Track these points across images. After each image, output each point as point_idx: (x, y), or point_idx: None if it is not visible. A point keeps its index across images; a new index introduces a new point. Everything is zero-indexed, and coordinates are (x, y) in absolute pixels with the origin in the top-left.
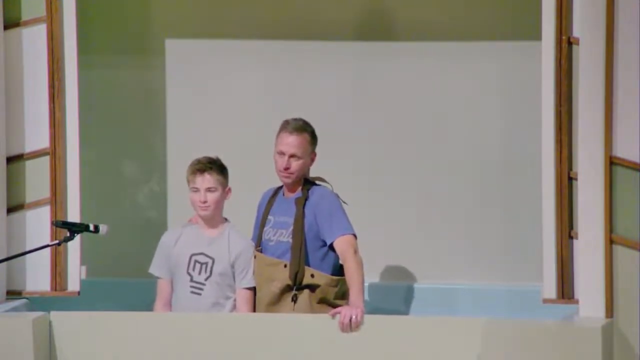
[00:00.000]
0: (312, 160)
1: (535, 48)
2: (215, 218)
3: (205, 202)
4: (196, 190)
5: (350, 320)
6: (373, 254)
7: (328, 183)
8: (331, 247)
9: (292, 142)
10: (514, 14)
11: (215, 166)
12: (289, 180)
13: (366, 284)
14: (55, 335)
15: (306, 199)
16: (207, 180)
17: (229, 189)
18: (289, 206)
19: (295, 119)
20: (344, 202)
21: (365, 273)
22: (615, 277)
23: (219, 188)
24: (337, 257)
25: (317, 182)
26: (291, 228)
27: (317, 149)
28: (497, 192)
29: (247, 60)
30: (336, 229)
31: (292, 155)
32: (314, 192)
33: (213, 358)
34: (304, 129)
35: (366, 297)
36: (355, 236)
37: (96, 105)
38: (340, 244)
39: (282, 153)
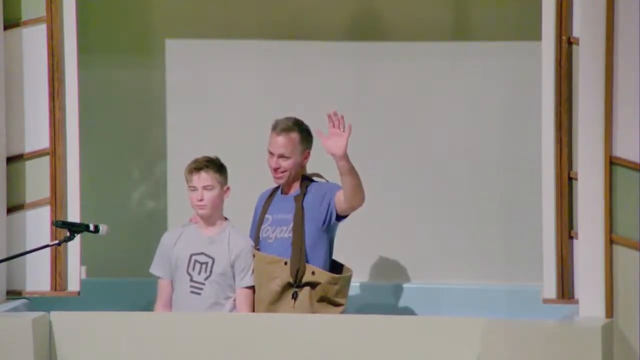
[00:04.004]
0: (305, 158)
1: (535, 48)
2: (214, 217)
3: (202, 200)
4: (194, 189)
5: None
6: (372, 253)
7: (324, 179)
8: (329, 233)
9: (279, 142)
10: (514, 14)
11: (212, 164)
12: (281, 181)
13: (366, 284)
14: (55, 335)
15: (305, 195)
16: (204, 178)
17: (228, 188)
18: (287, 204)
19: (286, 119)
20: None
21: (364, 273)
22: (615, 277)
23: (217, 186)
24: (331, 250)
25: (314, 178)
26: (291, 224)
27: (317, 148)
28: (497, 192)
29: (247, 60)
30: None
31: (280, 156)
32: (312, 188)
33: (213, 358)
34: (292, 128)
35: (366, 296)
36: None
37: (96, 105)
38: None
39: (271, 154)
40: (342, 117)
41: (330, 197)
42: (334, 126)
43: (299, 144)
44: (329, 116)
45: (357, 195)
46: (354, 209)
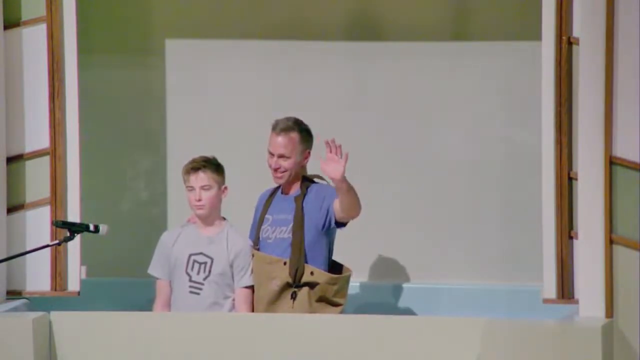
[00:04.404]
0: (305, 158)
1: (535, 48)
2: (212, 217)
3: (200, 200)
4: (191, 189)
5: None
6: (372, 253)
7: (325, 180)
8: (328, 235)
9: (279, 142)
10: (514, 14)
11: (209, 164)
12: (281, 181)
13: (366, 284)
14: (55, 335)
15: (305, 196)
16: (201, 178)
17: (226, 188)
18: (287, 204)
19: (286, 119)
20: None
21: (364, 273)
22: (615, 277)
23: (214, 186)
24: (331, 251)
25: (315, 180)
26: (291, 224)
27: (315, 148)
28: (497, 192)
29: (247, 60)
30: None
31: (280, 156)
32: (313, 190)
33: (213, 358)
34: (292, 128)
35: (366, 296)
36: None
37: (96, 105)
38: None
39: (271, 154)
40: (340, 146)
41: (329, 203)
42: (331, 152)
43: (299, 144)
44: (327, 142)
45: (354, 209)
46: (351, 218)
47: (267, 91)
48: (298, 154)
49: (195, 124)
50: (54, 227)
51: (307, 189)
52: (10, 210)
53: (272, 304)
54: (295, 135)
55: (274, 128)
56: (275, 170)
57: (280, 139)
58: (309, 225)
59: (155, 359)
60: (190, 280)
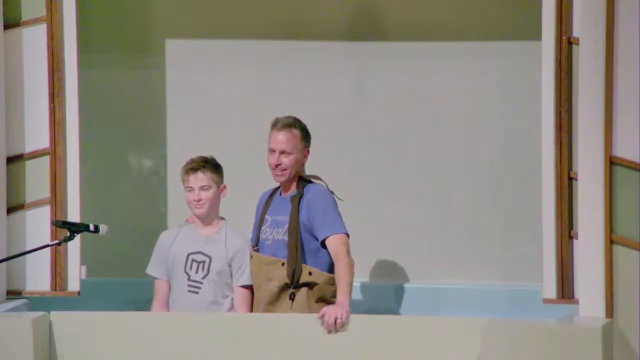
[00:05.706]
0: (305, 156)
1: (535, 48)
2: (211, 216)
3: (199, 200)
4: (190, 189)
5: (335, 320)
6: (372, 253)
7: (323, 181)
8: (323, 245)
9: (281, 138)
10: (514, 14)
11: (208, 165)
12: (282, 178)
13: (366, 284)
14: (55, 335)
15: (301, 197)
16: (200, 178)
17: (224, 187)
18: (285, 205)
19: (285, 117)
20: (339, 199)
21: (364, 273)
22: (615, 277)
23: (213, 186)
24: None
25: (312, 180)
26: (286, 226)
27: (316, 148)
28: (497, 192)
29: (247, 60)
30: (330, 226)
31: (282, 152)
32: (309, 190)
33: (212, 358)
34: (293, 125)
35: (365, 296)
36: (348, 235)
37: (96, 105)
38: (334, 242)
39: (272, 150)
40: (342, 325)
41: (323, 237)
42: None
43: (300, 141)
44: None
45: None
46: None
47: (267, 91)
48: (299, 151)
49: (195, 124)
50: (54, 227)
51: (303, 189)
52: (10, 210)
53: (271, 304)
54: (296, 131)
55: (274, 125)
56: (276, 167)
57: (282, 135)
58: (304, 232)
59: (155, 358)
60: (189, 280)
